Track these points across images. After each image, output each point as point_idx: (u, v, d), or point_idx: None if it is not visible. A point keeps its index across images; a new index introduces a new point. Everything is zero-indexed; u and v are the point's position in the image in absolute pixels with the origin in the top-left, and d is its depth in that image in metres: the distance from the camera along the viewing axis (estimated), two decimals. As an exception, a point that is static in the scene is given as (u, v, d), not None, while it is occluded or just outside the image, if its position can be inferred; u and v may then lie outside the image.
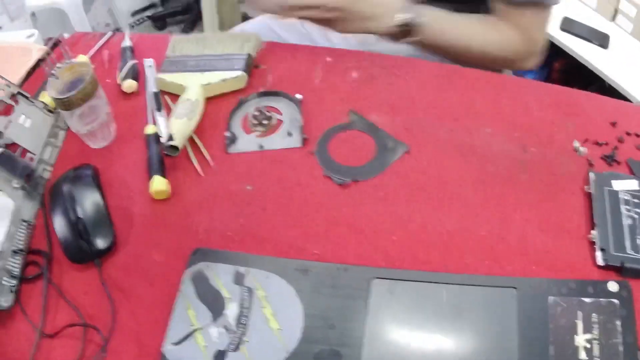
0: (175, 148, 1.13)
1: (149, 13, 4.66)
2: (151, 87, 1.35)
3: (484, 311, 0.88)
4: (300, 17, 1.29)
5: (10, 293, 0.99)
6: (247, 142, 1.21)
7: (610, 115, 1.18)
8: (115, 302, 0.97)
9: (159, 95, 1.32)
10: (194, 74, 1.32)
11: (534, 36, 1.38)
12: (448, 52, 1.38)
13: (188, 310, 0.94)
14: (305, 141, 1.18)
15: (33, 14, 3.67)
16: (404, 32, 1.26)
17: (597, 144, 1.12)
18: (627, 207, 0.98)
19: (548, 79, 2.89)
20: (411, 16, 1.25)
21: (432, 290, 0.92)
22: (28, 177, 1.13)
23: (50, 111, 1.27)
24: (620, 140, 1.12)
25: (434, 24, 1.28)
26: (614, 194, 1.00)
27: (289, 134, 1.20)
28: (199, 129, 1.23)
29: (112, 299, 0.97)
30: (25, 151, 1.17)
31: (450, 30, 1.33)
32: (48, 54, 1.39)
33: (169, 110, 1.29)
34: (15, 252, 1.03)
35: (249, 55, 1.35)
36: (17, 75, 1.47)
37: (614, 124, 1.15)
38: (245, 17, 4.28)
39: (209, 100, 1.29)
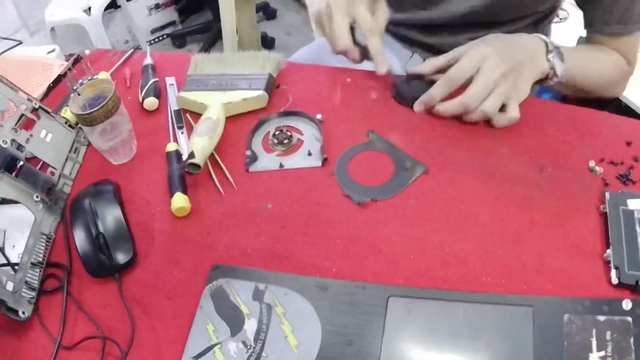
0: (196, 166, 1.14)
1: (168, 31, 4.70)
2: (172, 105, 1.36)
3: (500, 329, 0.89)
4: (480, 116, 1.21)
5: (29, 304, 1.00)
6: (267, 161, 1.21)
7: (625, 134, 1.18)
8: (135, 317, 0.98)
9: (180, 113, 1.33)
10: (215, 92, 1.33)
11: (634, 60, 1.43)
12: (575, 85, 1.38)
13: (207, 325, 0.94)
14: (325, 161, 1.19)
15: (52, 29, 3.70)
16: (553, 71, 1.24)
17: (613, 163, 1.13)
18: (642, 225, 0.98)
19: (564, 99, 2.90)
20: (559, 51, 1.24)
21: (449, 308, 0.92)
22: (49, 191, 1.15)
23: (71, 127, 1.28)
24: (636, 160, 1.13)
25: (569, 57, 1.27)
26: (629, 213, 1.00)
27: (309, 154, 1.21)
28: (220, 148, 1.24)
29: (131, 313, 0.97)
30: (46, 165, 1.18)
31: (580, 61, 1.34)
32: (69, 69, 1.40)
33: (190, 129, 1.30)
34: (34, 264, 1.04)
35: (270, 75, 1.36)
36: (38, 90, 1.49)
37: (629, 144, 1.16)
38: (264, 37, 4.32)
39: (230, 119, 1.30)
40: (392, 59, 1.73)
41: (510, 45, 1.21)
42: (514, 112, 1.18)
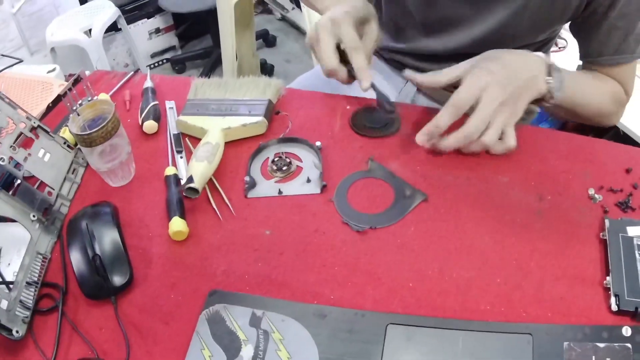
0: (194, 190, 1.14)
1: (168, 55, 4.72)
2: (172, 129, 1.36)
3: (500, 357, 0.88)
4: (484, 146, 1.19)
5: (23, 324, 0.99)
6: (266, 187, 1.21)
7: (624, 162, 1.20)
8: (130, 339, 0.97)
9: (179, 137, 1.33)
10: (215, 117, 1.33)
11: (630, 88, 1.46)
12: (573, 110, 1.39)
13: (203, 350, 0.93)
14: (324, 188, 1.19)
15: (53, 50, 3.72)
16: (550, 93, 1.25)
17: (612, 190, 1.14)
18: (642, 252, 0.99)
19: (563, 127, 2.92)
20: (560, 75, 1.24)
21: (448, 336, 0.92)
22: (46, 211, 1.14)
23: (70, 147, 1.28)
24: (635, 187, 1.14)
25: (569, 82, 1.28)
26: (629, 240, 1.00)
27: (308, 181, 1.21)
28: (219, 173, 1.24)
29: (127, 336, 0.97)
30: (43, 185, 1.18)
31: (580, 87, 1.35)
32: (69, 89, 1.40)
33: (189, 153, 1.30)
34: (29, 283, 1.04)
35: (270, 101, 1.36)
36: (37, 108, 1.49)
37: (628, 171, 1.18)
38: (263, 64, 4.33)
39: (229, 144, 1.30)
40: (386, 86, 1.74)
41: (511, 68, 1.21)
42: (511, 141, 1.18)
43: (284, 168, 1.23)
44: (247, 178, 1.21)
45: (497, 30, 1.44)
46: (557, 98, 1.25)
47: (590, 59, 1.43)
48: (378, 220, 1.12)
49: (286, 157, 1.25)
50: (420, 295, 0.99)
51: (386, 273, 1.03)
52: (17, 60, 1.67)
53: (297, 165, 1.25)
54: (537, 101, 1.26)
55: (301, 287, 1.02)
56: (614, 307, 0.92)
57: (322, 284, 1.02)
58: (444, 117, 1.18)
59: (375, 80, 1.30)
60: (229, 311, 0.98)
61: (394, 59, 1.74)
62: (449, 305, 0.97)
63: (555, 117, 1.54)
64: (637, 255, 0.98)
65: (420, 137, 1.21)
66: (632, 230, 1.02)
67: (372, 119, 1.29)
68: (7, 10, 3.65)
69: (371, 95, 1.33)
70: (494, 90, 1.15)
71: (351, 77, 1.30)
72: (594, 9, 1.33)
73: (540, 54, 1.27)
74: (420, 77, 1.29)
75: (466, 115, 1.16)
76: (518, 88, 1.18)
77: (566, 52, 2.81)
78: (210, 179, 1.21)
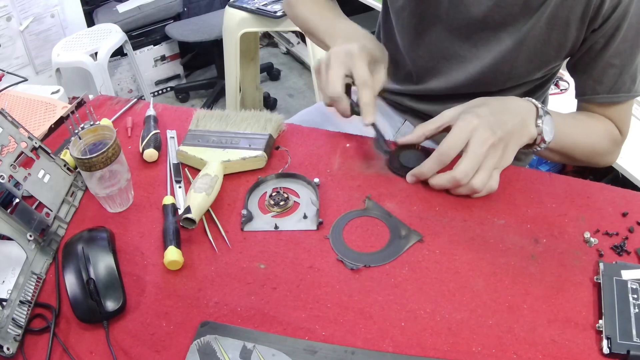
0: (191, 221, 1.14)
1: (172, 84, 4.74)
2: (172, 159, 1.37)
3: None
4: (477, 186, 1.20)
5: (15, 342, 0.99)
6: (262, 222, 1.22)
7: (621, 205, 1.21)
8: (120, 366, 0.97)
9: (179, 167, 1.34)
10: (215, 149, 1.34)
11: (625, 128, 1.46)
12: (567, 153, 1.40)
13: (193, 380, 0.93)
14: (320, 225, 1.19)
15: (58, 70, 3.73)
16: (541, 136, 1.25)
17: (608, 234, 1.14)
18: (635, 296, 0.99)
19: (563, 169, 2.93)
20: (549, 118, 1.25)
21: (437, 377, 0.91)
22: (43, 232, 1.15)
23: (70, 170, 1.28)
24: (631, 231, 1.15)
25: (560, 123, 1.29)
26: (623, 283, 1.01)
27: (305, 217, 1.21)
28: (216, 205, 1.24)
29: (117, 363, 0.97)
30: (42, 206, 1.18)
31: (572, 128, 1.37)
32: (72, 112, 1.41)
33: (188, 183, 1.31)
34: (22, 302, 1.04)
35: (270, 136, 1.38)
36: (39, 129, 1.49)
37: (625, 215, 1.18)
38: (266, 97, 4.35)
39: (228, 177, 1.31)
40: (385, 125, 1.77)
41: (500, 112, 1.21)
42: (494, 183, 1.20)
43: (281, 203, 1.24)
44: (244, 211, 1.22)
45: (493, 68, 1.45)
46: (548, 141, 1.25)
47: (586, 97, 1.43)
48: (373, 259, 1.12)
49: (284, 193, 1.26)
50: (412, 335, 0.99)
51: (378, 312, 1.03)
52: (22, 79, 1.67)
53: (294, 201, 1.25)
54: (529, 146, 1.27)
55: (293, 322, 1.02)
56: (606, 350, 0.93)
57: (314, 320, 1.02)
58: (429, 164, 1.21)
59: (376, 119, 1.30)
60: (220, 343, 0.98)
61: (393, 99, 1.75)
62: (440, 346, 0.97)
63: (551, 160, 1.54)
64: (630, 298, 0.98)
65: (409, 179, 1.26)
66: (627, 274, 1.02)
67: (409, 160, 1.30)
68: (15, 28, 3.67)
69: (366, 133, 1.34)
70: (483, 132, 1.16)
71: (352, 112, 1.30)
72: (591, 45, 1.35)
73: (528, 98, 1.28)
74: (411, 137, 1.30)
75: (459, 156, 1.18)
76: (507, 133, 1.18)
77: (567, 95, 2.83)
78: (208, 211, 1.22)
